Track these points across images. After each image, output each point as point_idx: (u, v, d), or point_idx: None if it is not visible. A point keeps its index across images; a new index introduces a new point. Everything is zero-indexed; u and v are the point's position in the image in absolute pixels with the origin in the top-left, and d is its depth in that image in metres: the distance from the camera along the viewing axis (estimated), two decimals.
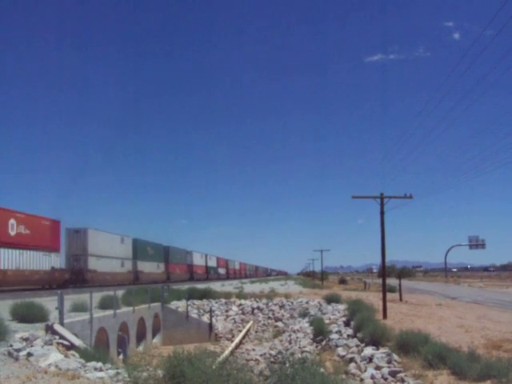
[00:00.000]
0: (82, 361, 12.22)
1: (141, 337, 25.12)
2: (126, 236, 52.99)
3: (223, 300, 36.93)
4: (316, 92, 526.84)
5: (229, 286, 52.20)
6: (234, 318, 33.59)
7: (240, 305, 36.32)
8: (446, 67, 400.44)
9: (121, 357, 19.53)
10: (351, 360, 16.53)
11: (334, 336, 21.40)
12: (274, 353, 23.45)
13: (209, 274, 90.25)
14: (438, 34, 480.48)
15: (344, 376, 13.91)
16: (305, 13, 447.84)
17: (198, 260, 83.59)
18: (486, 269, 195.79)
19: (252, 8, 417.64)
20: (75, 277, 41.61)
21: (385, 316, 23.35)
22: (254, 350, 25.54)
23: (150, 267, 59.42)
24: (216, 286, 47.29)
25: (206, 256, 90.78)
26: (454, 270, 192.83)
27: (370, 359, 15.39)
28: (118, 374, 11.03)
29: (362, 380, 13.85)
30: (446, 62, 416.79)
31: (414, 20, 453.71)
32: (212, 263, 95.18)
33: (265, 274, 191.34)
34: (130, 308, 23.60)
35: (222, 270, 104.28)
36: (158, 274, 62.13)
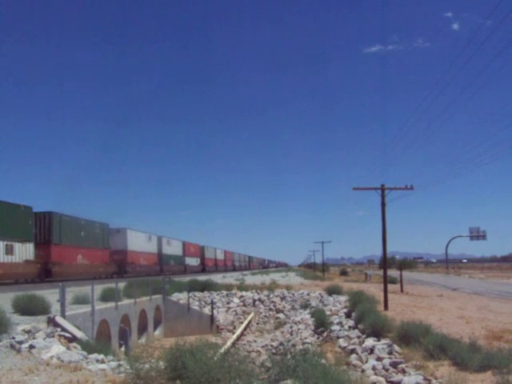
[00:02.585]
0: (84, 353, 12.25)
1: (142, 329, 25.20)
2: None
3: (224, 292, 36.98)
4: (316, 83, 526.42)
5: (230, 278, 52.30)
6: (235, 310, 33.67)
7: (241, 296, 36.39)
8: (445, 58, 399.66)
9: (122, 349, 19.59)
10: (352, 351, 16.57)
11: (336, 327, 21.44)
12: (275, 344, 23.54)
13: (163, 265, 63.03)
14: (436, 25, 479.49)
15: (345, 367, 13.94)
16: (303, 4, 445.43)
17: (138, 244, 54.56)
18: (460, 261, 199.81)
19: (251, 1, 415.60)
20: None
21: (386, 307, 23.38)
22: (255, 341, 25.64)
23: None
24: (217, 278, 47.39)
25: (160, 239, 63.27)
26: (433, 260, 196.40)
27: (372, 350, 15.42)
28: (119, 365, 11.07)
29: (363, 371, 13.88)
30: (445, 52, 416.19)
31: (413, 10, 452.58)
32: (172, 250, 68.16)
33: (261, 266, 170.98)
34: (132, 300, 23.66)
35: (192, 261, 78.55)
36: (9, 265, 31.30)
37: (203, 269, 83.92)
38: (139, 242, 55.30)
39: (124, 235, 51.61)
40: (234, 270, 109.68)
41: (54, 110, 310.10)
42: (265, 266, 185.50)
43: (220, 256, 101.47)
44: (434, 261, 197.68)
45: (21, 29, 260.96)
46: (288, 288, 39.28)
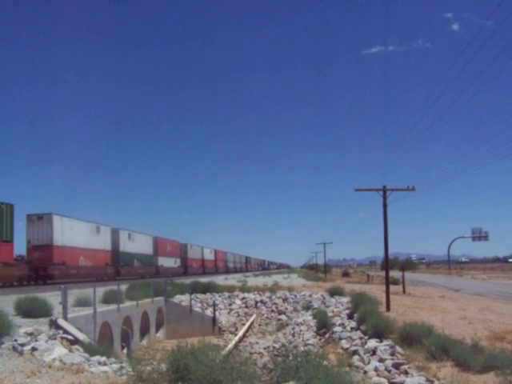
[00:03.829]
0: (86, 355, 12.26)
1: (144, 331, 25.20)
2: None
3: (226, 294, 37.02)
4: (316, 84, 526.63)
5: (232, 280, 52.33)
6: (237, 312, 33.68)
7: (243, 298, 36.40)
8: (446, 58, 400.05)
9: (125, 351, 19.61)
10: (355, 352, 16.55)
11: (338, 329, 21.43)
12: (277, 346, 23.52)
13: (121, 266, 49.65)
14: (437, 25, 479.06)
15: (347, 368, 13.93)
16: (303, 5, 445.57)
17: (75, 237, 40.18)
18: (506, 260, 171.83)
19: (251, 2, 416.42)
20: None
21: (388, 308, 23.37)
22: (257, 343, 25.62)
23: None
24: (219, 280, 47.41)
25: (117, 232, 49.52)
26: (465, 259, 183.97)
27: (374, 351, 15.40)
28: (121, 368, 11.06)
29: (365, 372, 13.86)
30: (445, 53, 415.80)
31: (413, 11, 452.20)
32: (137, 247, 54.20)
33: (260, 268, 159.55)
34: (134, 302, 23.66)
35: (168, 261, 65.01)
36: None
37: (185, 271, 71.11)
38: (77, 235, 40.66)
39: (49, 224, 36.82)
40: (227, 272, 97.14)
41: (53, 109, 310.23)
42: (265, 267, 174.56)
43: (209, 256, 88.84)
44: (467, 260, 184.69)
45: (21, 28, 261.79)
46: (290, 289, 39.29)
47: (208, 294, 36.07)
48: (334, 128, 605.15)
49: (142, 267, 55.55)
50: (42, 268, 36.10)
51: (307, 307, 31.93)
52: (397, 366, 13.25)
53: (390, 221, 25.21)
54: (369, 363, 14.65)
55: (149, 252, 58.86)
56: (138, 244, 54.81)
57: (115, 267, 48.39)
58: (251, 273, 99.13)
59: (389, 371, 13.18)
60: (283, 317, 32.80)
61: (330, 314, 25.40)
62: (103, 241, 46.30)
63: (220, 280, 48.69)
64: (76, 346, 13.41)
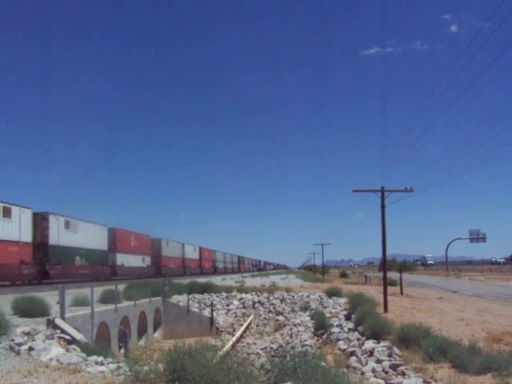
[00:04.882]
0: (84, 355, 12.22)
1: (142, 331, 25.18)
2: None
3: (224, 294, 36.99)
4: (315, 85, 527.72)
5: (230, 280, 52.30)
6: (234, 312, 33.64)
7: (241, 299, 36.37)
8: (443, 60, 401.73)
9: (122, 351, 19.57)
10: (352, 353, 16.54)
11: (335, 330, 21.43)
12: (275, 346, 23.50)
13: (52, 265, 36.24)
14: (435, 27, 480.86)
15: (345, 369, 13.92)
16: (302, 6, 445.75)
17: None
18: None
19: (250, 3, 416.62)
20: None
21: (386, 309, 23.36)
22: (255, 343, 25.60)
23: None
24: (217, 280, 47.40)
25: (46, 218, 36.14)
26: (500, 260, 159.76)
27: (371, 353, 15.40)
28: (119, 368, 11.05)
29: (363, 373, 13.86)
30: (443, 54, 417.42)
31: (411, 13, 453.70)
32: (83, 241, 41.65)
33: (255, 268, 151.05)
34: (131, 302, 23.64)
35: (132, 260, 52.92)
36: None
37: (157, 272, 58.98)
38: None
39: None
40: (216, 273, 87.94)
41: (53, 110, 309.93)
42: (260, 267, 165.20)
43: (192, 255, 77.13)
44: (503, 260, 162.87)
45: (21, 28, 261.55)
46: (288, 290, 39.25)
47: (206, 294, 36.06)
48: (332, 129, 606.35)
49: (88, 266, 42.44)
50: None
51: (305, 308, 31.91)
52: (394, 367, 13.25)
53: (387, 222, 25.23)
54: (366, 364, 14.65)
55: (101, 247, 45.90)
56: (82, 236, 41.69)
57: (40, 266, 35.28)
58: (249, 273, 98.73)
59: (386, 372, 13.18)
60: (281, 317, 32.76)
61: (328, 315, 25.38)
62: (16, 229, 32.50)
63: (218, 280, 48.69)
64: (73, 346, 13.38)
